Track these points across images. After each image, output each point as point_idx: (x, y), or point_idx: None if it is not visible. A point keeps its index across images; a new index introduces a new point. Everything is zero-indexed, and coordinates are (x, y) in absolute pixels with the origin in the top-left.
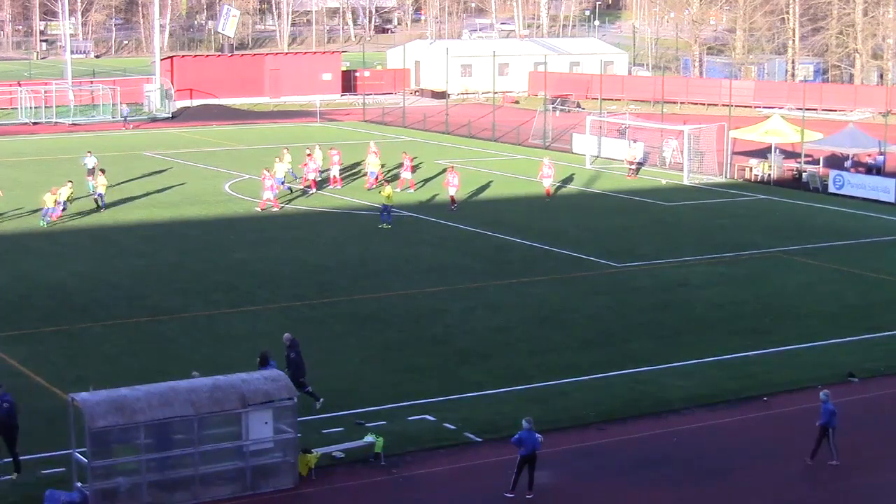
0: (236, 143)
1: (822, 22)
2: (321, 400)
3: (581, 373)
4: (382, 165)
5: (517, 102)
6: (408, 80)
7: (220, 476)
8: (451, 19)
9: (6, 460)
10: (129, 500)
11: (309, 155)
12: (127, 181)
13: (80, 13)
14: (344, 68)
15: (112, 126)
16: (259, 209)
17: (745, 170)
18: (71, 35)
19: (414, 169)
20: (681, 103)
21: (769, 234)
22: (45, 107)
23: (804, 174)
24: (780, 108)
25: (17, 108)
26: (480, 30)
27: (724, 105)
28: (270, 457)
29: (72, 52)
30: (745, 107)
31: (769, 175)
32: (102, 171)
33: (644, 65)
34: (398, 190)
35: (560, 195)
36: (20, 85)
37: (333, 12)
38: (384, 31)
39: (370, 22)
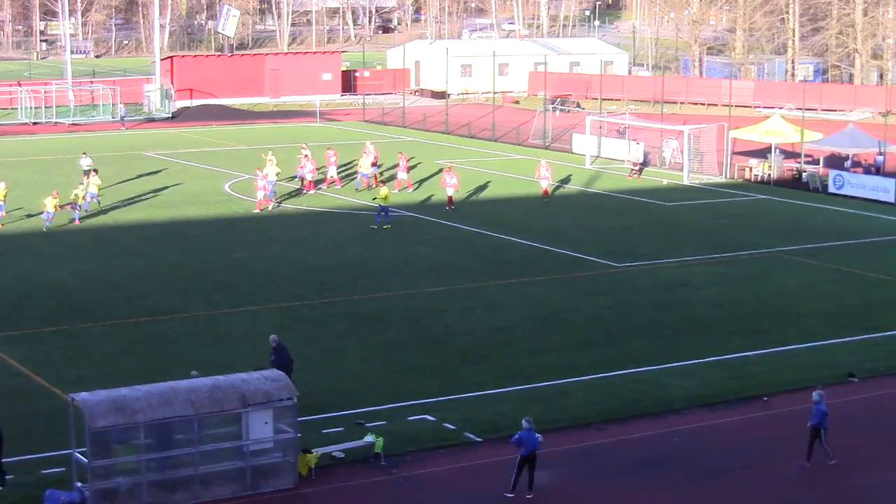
0: (236, 143)
1: (821, 22)
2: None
3: (581, 373)
4: (379, 166)
5: (517, 102)
6: (408, 80)
7: (220, 476)
8: (451, 19)
9: (5, 460)
10: (129, 500)
11: (306, 156)
12: (127, 181)
13: (80, 13)
14: (344, 68)
15: (112, 126)
16: (257, 210)
17: (745, 170)
18: (71, 35)
19: (409, 169)
20: (681, 103)
21: (769, 234)
22: (45, 107)
23: (804, 174)
24: (780, 108)
25: (17, 108)
26: (480, 30)
27: (724, 105)
28: (270, 457)
29: (72, 52)
30: (745, 107)
31: (769, 175)
32: (95, 171)
33: (644, 65)
34: (396, 191)
35: (560, 195)
36: (20, 85)
37: (333, 12)
38: (387, 30)
39: (370, 22)
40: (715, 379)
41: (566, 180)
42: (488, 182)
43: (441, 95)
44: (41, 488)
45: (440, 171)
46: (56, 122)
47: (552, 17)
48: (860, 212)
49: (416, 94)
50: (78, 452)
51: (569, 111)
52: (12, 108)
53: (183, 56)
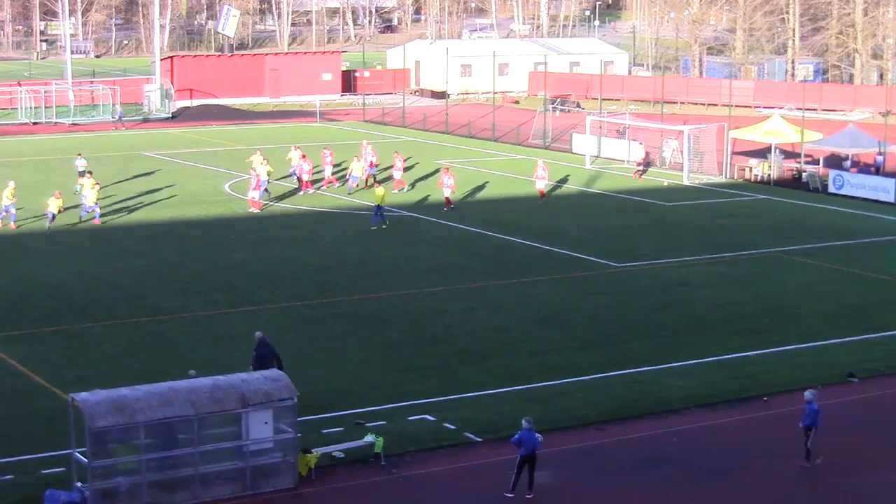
0: (236, 143)
1: (822, 22)
2: None
3: (581, 373)
4: (377, 167)
5: (517, 102)
6: (408, 80)
7: (221, 476)
8: (451, 19)
9: (5, 460)
10: (129, 500)
11: (303, 156)
12: (127, 181)
13: (80, 13)
14: (344, 68)
15: (111, 126)
16: (257, 210)
17: (744, 170)
18: (71, 35)
19: (406, 169)
20: (681, 103)
21: (769, 234)
22: (45, 107)
23: (804, 174)
24: (780, 108)
25: (17, 108)
26: (480, 30)
27: (724, 105)
28: (270, 457)
29: (72, 52)
30: (745, 107)
31: (769, 175)
32: (90, 172)
33: (644, 65)
34: (395, 191)
35: (560, 195)
36: (20, 85)
37: (333, 12)
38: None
39: (370, 22)
40: (715, 379)
41: (566, 180)
42: (488, 182)
43: (441, 95)
44: (41, 488)
45: (437, 171)
46: (56, 122)
47: (552, 17)
48: (860, 212)
49: (416, 94)
50: (78, 452)
51: (569, 111)
52: (12, 108)
53: (183, 56)
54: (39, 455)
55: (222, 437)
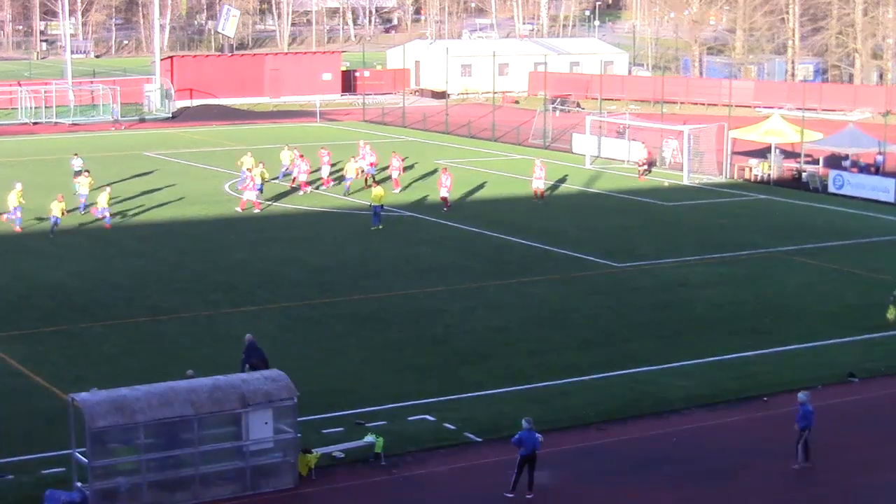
0: (236, 143)
1: (821, 22)
2: None
3: (581, 373)
4: (376, 166)
5: (517, 102)
6: (408, 80)
7: (221, 476)
8: (451, 19)
9: (5, 460)
10: (129, 500)
11: (301, 156)
12: (127, 181)
13: (80, 13)
14: (344, 68)
15: (110, 126)
16: (256, 210)
17: (744, 170)
18: (71, 35)
19: (403, 169)
20: (681, 103)
21: (769, 234)
22: (45, 107)
23: (804, 174)
24: (780, 108)
25: (17, 108)
26: (480, 30)
27: (724, 105)
28: (270, 457)
29: (72, 52)
30: (745, 107)
31: (769, 175)
32: (87, 172)
33: (644, 65)
34: (395, 191)
35: (560, 195)
36: (20, 85)
37: (333, 12)
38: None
39: (370, 23)
40: (715, 379)
41: (566, 180)
42: (488, 182)
43: (441, 95)
44: (41, 488)
45: (435, 171)
46: (56, 122)
47: (552, 17)
48: (860, 212)
49: (416, 94)
50: (78, 452)
51: (569, 111)
52: (12, 108)
53: (183, 56)
54: (39, 455)
55: (222, 437)
